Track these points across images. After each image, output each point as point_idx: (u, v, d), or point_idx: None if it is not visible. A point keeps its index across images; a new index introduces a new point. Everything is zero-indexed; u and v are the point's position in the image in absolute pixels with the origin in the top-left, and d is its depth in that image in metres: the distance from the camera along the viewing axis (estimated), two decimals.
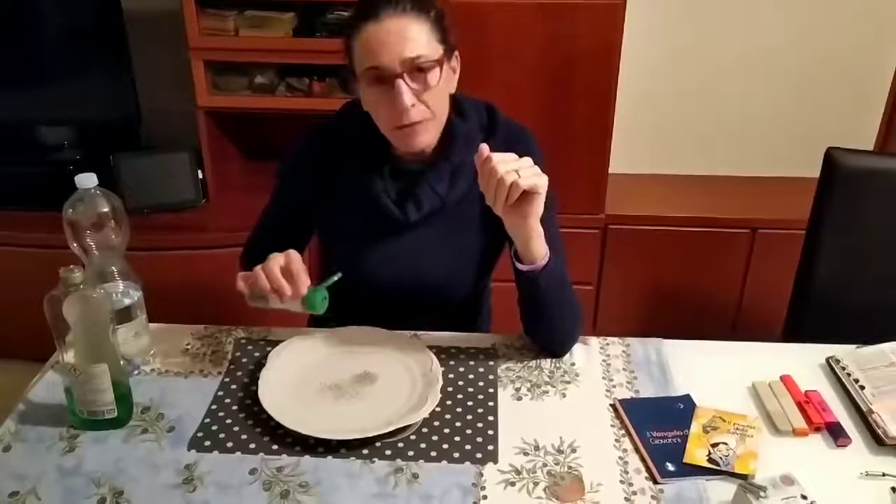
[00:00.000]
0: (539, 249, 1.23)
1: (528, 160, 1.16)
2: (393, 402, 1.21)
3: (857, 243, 1.62)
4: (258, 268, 1.21)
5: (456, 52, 1.30)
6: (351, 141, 1.37)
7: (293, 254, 1.22)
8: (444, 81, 1.26)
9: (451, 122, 1.33)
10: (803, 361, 1.33)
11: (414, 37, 1.21)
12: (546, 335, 1.34)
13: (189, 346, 1.37)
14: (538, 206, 1.18)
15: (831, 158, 1.59)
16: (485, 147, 1.16)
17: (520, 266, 1.25)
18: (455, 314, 1.50)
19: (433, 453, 1.13)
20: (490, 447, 1.15)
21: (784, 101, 2.64)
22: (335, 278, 1.25)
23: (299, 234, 1.47)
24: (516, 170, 1.14)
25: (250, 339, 1.38)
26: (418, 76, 1.23)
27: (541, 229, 1.22)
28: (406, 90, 1.22)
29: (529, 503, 1.06)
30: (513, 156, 1.16)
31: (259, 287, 1.20)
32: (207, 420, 1.20)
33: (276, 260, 1.21)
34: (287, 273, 1.20)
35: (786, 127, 2.68)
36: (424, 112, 1.25)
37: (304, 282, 1.20)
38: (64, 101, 2.47)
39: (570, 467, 1.11)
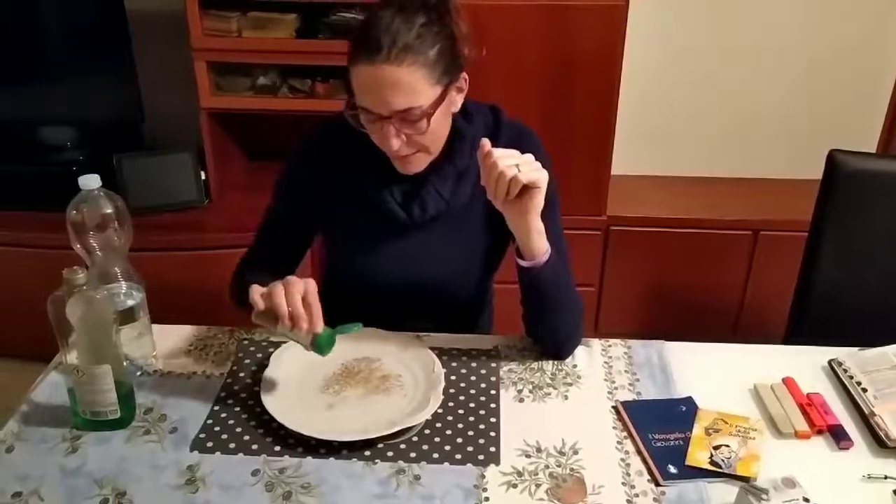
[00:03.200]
0: (540, 245, 1.24)
1: (529, 156, 1.17)
2: (395, 403, 1.22)
3: (859, 245, 1.62)
4: (278, 287, 1.14)
5: (464, 75, 1.26)
6: (354, 141, 1.37)
7: (312, 283, 1.16)
8: (440, 119, 1.23)
9: (456, 124, 1.33)
10: (805, 364, 1.33)
11: (407, 87, 1.17)
12: (547, 335, 1.34)
13: (192, 347, 1.37)
14: (538, 202, 1.18)
15: (834, 160, 1.59)
16: (486, 142, 1.16)
17: (521, 262, 1.26)
18: (458, 315, 1.50)
19: (435, 455, 1.14)
20: (492, 449, 1.15)
21: (786, 103, 2.64)
22: (355, 329, 1.21)
23: (300, 236, 1.47)
24: (517, 164, 1.14)
25: (253, 340, 1.39)
26: (409, 122, 1.20)
27: (541, 225, 1.22)
28: (393, 134, 1.21)
29: None
30: (514, 151, 1.17)
31: (276, 308, 1.13)
32: (210, 421, 1.20)
33: (297, 286, 1.14)
34: (304, 304, 1.14)
35: (788, 129, 2.68)
36: (415, 147, 1.25)
37: (320, 318, 1.15)
38: (67, 102, 2.47)
39: (571, 469, 1.11)
